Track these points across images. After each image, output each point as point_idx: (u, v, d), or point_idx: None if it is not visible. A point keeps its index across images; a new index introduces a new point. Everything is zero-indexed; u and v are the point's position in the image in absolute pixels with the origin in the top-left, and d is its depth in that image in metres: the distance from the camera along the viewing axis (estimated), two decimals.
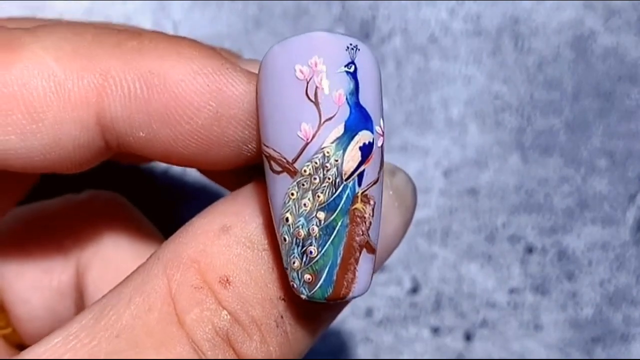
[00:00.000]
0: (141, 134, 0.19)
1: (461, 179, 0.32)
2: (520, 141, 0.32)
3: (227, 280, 0.18)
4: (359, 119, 0.18)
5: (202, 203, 0.31)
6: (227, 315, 0.18)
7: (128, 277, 0.19)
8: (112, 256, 0.24)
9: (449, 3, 0.32)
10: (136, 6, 0.31)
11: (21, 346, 0.25)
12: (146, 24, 0.31)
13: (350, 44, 0.18)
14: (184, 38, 0.19)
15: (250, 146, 0.19)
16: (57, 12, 0.31)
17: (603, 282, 0.32)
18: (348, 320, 0.32)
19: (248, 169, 0.20)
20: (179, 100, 0.18)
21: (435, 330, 0.32)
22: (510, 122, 0.32)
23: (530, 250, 0.32)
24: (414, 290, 0.32)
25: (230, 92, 0.18)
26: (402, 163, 0.32)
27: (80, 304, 0.25)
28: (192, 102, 0.18)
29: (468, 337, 0.32)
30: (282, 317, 0.19)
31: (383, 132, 0.18)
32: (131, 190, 0.27)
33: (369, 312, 0.32)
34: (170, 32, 0.31)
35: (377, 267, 0.20)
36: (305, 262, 0.18)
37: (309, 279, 0.18)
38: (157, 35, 0.19)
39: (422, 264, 0.32)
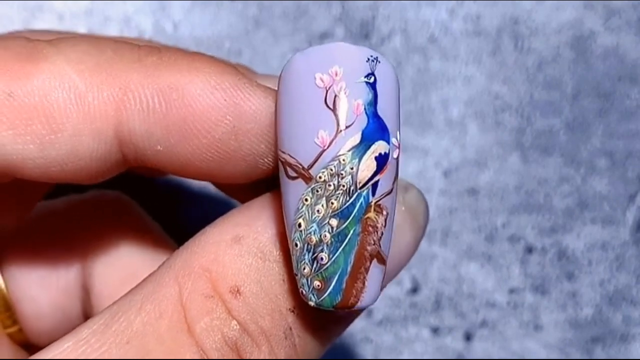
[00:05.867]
0: (159, 147, 0.19)
1: (461, 179, 0.32)
2: (520, 141, 0.32)
3: (238, 290, 0.18)
4: (376, 129, 0.18)
5: (205, 202, 0.32)
6: (236, 325, 0.18)
7: (139, 284, 0.19)
8: (117, 254, 0.24)
9: (449, 3, 0.32)
10: (136, 6, 0.31)
11: (27, 345, 0.25)
12: (146, 24, 0.31)
13: (371, 56, 0.18)
14: (202, 54, 0.20)
15: (265, 160, 0.19)
16: (57, 12, 0.31)
17: (603, 282, 0.32)
18: None
19: (262, 182, 0.20)
20: (196, 114, 0.19)
21: (435, 330, 0.32)
22: (510, 122, 0.32)
23: (530, 250, 0.32)
24: (414, 290, 0.32)
25: (247, 107, 0.19)
26: (402, 163, 0.32)
27: (86, 301, 0.25)
28: (210, 116, 0.19)
29: (468, 337, 0.32)
30: (290, 328, 0.19)
31: (399, 144, 0.18)
32: (135, 190, 0.27)
33: (369, 312, 0.32)
34: (170, 32, 0.31)
35: (386, 282, 0.20)
36: (315, 268, 0.18)
37: (319, 285, 0.18)
38: (176, 51, 0.19)
39: (422, 264, 0.32)
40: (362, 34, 0.32)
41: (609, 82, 0.32)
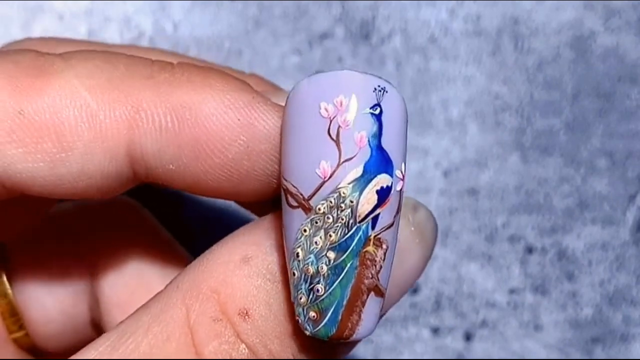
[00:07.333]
0: (171, 166, 0.19)
1: (461, 179, 0.32)
2: (520, 141, 0.32)
3: (247, 312, 0.18)
4: (379, 162, 0.17)
5: (210, 206, 0.31)
6: (245, 349, 0.18)
7: (146, 304, 0.19)
8: (126, 262, 0.24)
9: (449, 3, 0.32)
10: (136, 6, 0.31)
11: (33, 349, 0.25)
12: (146, 24, 0.31)
13: (379, 86, 0.18)
14: (216, 69, 0.19)
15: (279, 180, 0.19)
16: (57, 12, 0.31)
17: (603, 282, 0.32)
18: None
19: (276, 199, 0.20)
20: (209, 134, 0.18)
21: (435, 331, 0.32)
22: (510, 122, 0.32)
23: (530, 250, 0.32)
24: (414, 290, 0.32)
25: (260, 127, 0.18)
26: None
27: (95, 308, 0.25)
28: (223, 136, 0.18)
29: (468, 337, 0.32)
30: (299, 352, 0.19)
31: (403, 176, 0.18)
32: (139, 192, 0.27)
33: None
34: (170, 32, 0.31)
35: (394, 303, 0.20)
36: (311, 299, 0.18)
37: (314, 316, 0.18)
38: (189, 67, 0.19)
39: None
40: (362, 34, 0.32)
41: (609, 82, 0.32)
